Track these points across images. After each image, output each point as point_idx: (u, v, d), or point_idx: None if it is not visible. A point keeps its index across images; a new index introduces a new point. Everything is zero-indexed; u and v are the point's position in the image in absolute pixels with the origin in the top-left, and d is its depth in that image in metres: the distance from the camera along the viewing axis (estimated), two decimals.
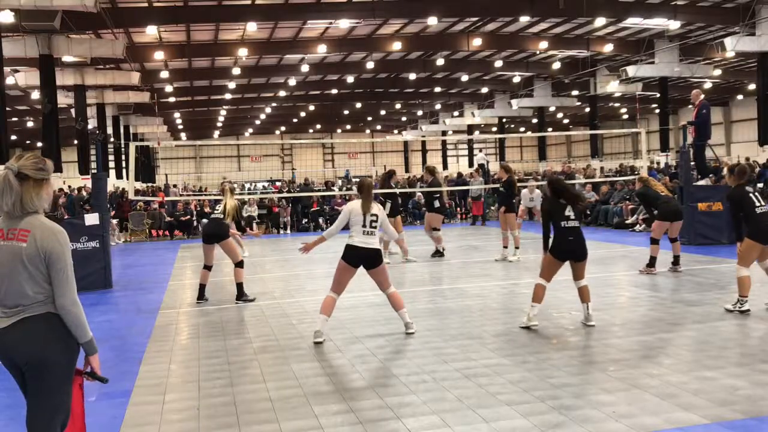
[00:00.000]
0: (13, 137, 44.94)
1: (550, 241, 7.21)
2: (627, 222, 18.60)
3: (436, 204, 13.95)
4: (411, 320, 7.30)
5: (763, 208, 7.47)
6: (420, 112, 54.07)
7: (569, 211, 7.17)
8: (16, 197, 3.32)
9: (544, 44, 29.94)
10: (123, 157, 37.98)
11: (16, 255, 3.30)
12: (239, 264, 9.53)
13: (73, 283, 3.37)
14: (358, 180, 7.85)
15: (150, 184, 38.94)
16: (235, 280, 9.61)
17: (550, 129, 49.71)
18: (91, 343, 3.44)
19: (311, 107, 48.40)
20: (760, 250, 7.54)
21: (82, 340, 3.40)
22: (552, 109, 45.87)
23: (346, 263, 7.05)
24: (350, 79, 36.77)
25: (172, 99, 39.15)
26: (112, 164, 38.77)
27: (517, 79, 39.31)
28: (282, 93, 40.68)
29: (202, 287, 9.66)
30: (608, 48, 30.54)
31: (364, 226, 6.97)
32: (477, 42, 29.03)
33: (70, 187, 29.24)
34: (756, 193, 7.67)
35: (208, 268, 9.62)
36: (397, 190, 14.50)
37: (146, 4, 22.75)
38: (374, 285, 9.00)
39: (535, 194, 14.93)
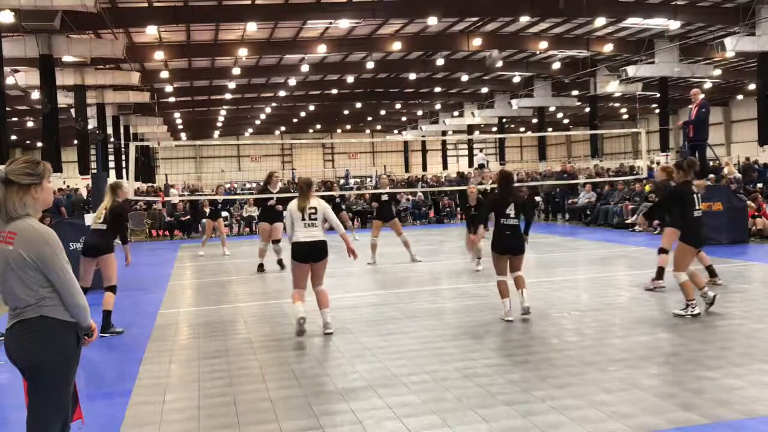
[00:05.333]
0: (13, 137, 44.93)
1: (479, 232, 7.88)
2: (627, 222, 18.59)
3: None
4: (331, 320, 7.39)
5: (699, 212, 7.54)
6: (420, 112, 54.07)
7: (511, 210, 7.57)
8: (0, 203, 3.31)
9: (544, 44, 29.95)
10: (123, 157, 37.98)
11: (5, 258, 3.30)
12: (111, 288, 8.02)
13: (74, 280, 3.38)
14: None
15: (150, 185, 38.93)
16: (103, 307, 7.90)
17: (550, 129, 49.71)
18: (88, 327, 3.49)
19: (311, 107, 48.39)
20: (694, 254, 7.62)
21: (83, 324, 3.44)
22: (552, 109, 45.87)
23: (297, 261, 7.34)
24: (350, 79, 36.78)
25: (172, 99, 39.15)
26: (112, 164, 38.79)
27: (517, 79, 39.31)
28: (282, 93, 40.68)
29: (107, 314, 7.93)
30: (608, 48, 30.55)
31: (303, 220, 7.30)
32: (477, 42, 29.03)
33: (69, 187, 29.24)
34: (698, 195, 7.63)
35: (110, 289, 8.03)
36: (383, 191, 13.99)
37: (146, 4, 22.75)
38: (374, 285, 9.04)
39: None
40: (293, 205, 7.44)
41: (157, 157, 50.13)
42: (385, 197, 13.64)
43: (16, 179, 3.32)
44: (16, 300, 3.31)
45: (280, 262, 12.95)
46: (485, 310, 8.42)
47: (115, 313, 9.76)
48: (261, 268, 12.69)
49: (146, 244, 20.75)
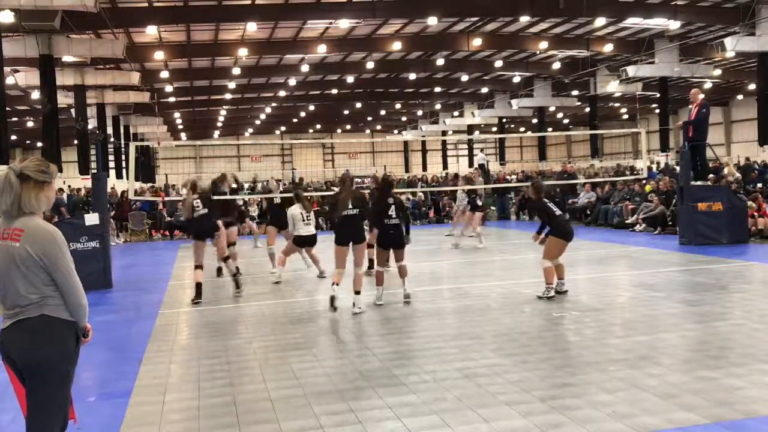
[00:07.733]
0: (13, 137, 44.82)
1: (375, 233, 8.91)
2: (627, 222, 18.59)
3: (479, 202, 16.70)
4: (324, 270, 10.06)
5: (558, 212, 9.08)
6: (420, 112, 54.05)
7: (392, 211, 8.82)
8: (15, 197, 3.32)
9: (544, 44, 29.93)
10: (123, 157, 37.96)
11: (11, 255, 3.30)
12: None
13: (78, 280, 3.38)
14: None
15: (150, 185, 38.91)
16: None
17: (550, 129, 49.70)
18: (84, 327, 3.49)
19: (311, 107, 48.36)
20: (563, 246, 8.95)
21: (81, 324, 3.44)
22: (552, 109, 45.84)
23: (296, 245, 11.04)
24: (350, 79, 36.75)
25: (172, 99, 39.14)
26: (112, 164, 38.75)
27: (517, 79, 39.29)
28: (282, 93, 40.66)
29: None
30: (608, 48, 30.53)
31: (303, 221, 10.69)
32: (477, 42, 29.02)
33: (69, 187, 29.21)
34: (552, 202, 9.26)
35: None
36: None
37: (146, 4, 22.74)
38: (374, 285, 9.08)
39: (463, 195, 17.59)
40: (296, 210, 10.64)
41: (157, 157, 50.12)
42: (277, 200, 12.82)
43: (34, 176, 3.38)
44: (19, 298, 3.31)
45: (226, 260, 11.17)
46: (485, 310, 8.42)
47: (115, 312, 9.79)
48: (220, 272, 12.26)
49: (146, 244, 20.76)
